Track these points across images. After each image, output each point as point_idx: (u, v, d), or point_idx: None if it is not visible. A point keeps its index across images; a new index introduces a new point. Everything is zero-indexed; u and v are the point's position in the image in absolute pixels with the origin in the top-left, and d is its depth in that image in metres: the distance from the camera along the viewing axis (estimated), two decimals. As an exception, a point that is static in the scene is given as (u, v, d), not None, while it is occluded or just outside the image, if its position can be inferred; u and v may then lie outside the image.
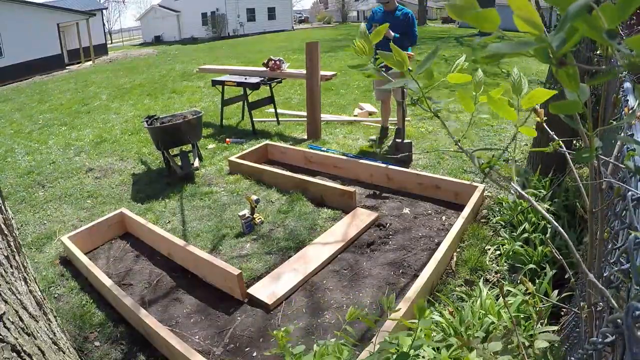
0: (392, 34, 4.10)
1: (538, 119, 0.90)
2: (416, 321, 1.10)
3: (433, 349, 1.34)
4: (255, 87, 5.38)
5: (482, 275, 2.41)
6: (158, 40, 31.94)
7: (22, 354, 1.41)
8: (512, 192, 0.79)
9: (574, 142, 3.35)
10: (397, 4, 4.35)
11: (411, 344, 1.15)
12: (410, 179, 3.54)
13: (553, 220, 0.80)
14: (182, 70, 12.18)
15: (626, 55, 0.35)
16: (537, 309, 1.72)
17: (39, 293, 1.73)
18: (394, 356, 1.08)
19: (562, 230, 0.79)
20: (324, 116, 5.73)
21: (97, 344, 2.20)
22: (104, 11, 24.67)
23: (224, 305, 2.42)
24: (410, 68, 0.83)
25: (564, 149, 0.90)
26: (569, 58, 0.39)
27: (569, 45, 0.36)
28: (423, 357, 1.24)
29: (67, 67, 18.13)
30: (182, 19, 31.36)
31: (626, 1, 0.34)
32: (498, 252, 2.58)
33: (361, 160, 4.01)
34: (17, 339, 1.40)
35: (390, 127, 5.09)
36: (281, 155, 4.53)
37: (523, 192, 0.80)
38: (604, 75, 0.40)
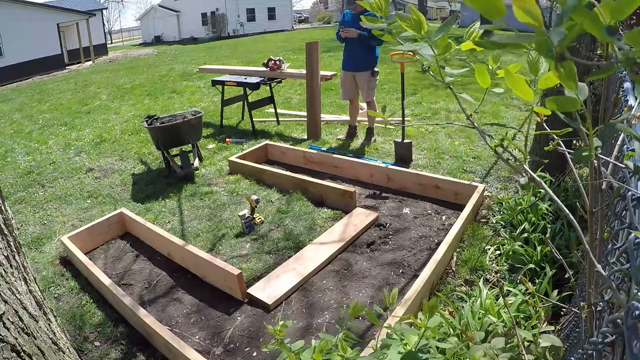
0: (358, 32, 4.16)
1: (538, 118, 0.90)
2: (420, 320, 1.10)
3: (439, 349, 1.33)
4: (255, 87, 5.38)
5: (482, 275, 2.41)
6: (158, 40, 31.94)
7: (22, 354, 1.41)
8: (524, 174, 0.77)
9: (574, 142, 3.35)
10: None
11: (418, 341, 1.14)
12: (410, 179, 3.54)
13: (564, 207, 0.79)
14: (182, 71, 12.18)
15: (625, 52, 0.35)
16: (538, 309, 1.72)
17: (39, 293, 1.73)
18: (402, 355, 1.08)
19: (572, 218, 0.78)
20: (324, 116, 5.73)
21: (97, 344, 2.20)
22: (103, 11, 24.68)
23: (223, 305, 2.42)
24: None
25: (564, 148, 0.90)
26: (567, 54, 0.39)
27: (569, 39, 0.36)
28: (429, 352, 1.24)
29: (67, 67, 18.13)
30: (182, 19, 31.35)
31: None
32: (498, 252, 2.58)
33: (361, 160, 4.01)
34: (16, 339, 1.40)
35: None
36: (281, 155, 4.53)
37: (535, 175, 0.79)
38: (602, 71, 0.40)
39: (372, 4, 0.83)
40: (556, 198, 0.75)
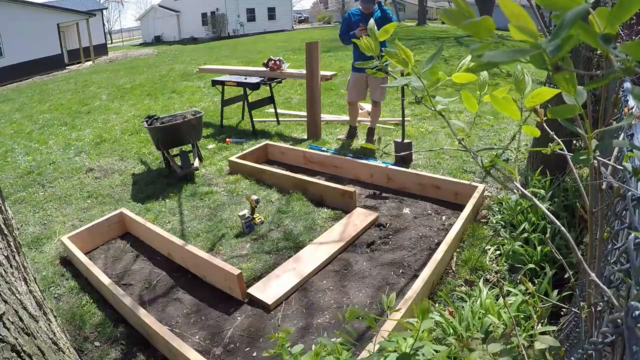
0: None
1: (538, 119, 0.90)
2: (417, 321, 1.10)
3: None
4: (255, 87, 5.38)
5: (482, 275, 2.41)
6: (158, 41, 31.94)
7: (22, 354, 1.41)
8: (515, 190, 0.79)
9: (574, 142, 3.35)
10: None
11: (412, 344, 1.15)
12: (410, 179, 3.54)
13: (555, 219, 0.80)
14: (182, 71, 12.18)
15: (622, 60, 0.35)
16: (537, 309, 1.72)
17: (39, 293, 1.73)
18: (395, 356, 1.08)
19: (563, 228, 0.79)
20: (324, 116, 5.73)
21: (97, 344, 2.20)
22: (104, 11, 24.68)
23: (223, 305, 2.42)
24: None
25: (564, 149, 0.90)
26: (566, 62, 0.39)
27: (564, 52, 0.36)
28: (423, 354, 1.24)
29: (67, 67, 18.13)
30: (182, 19, 31.35)
31: (622, 6, 0.34)
32: (498, 252, 2.58)
33: (361, 160, 4.01)
34: (17, 339, 1.40)
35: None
36: (281, 155, 4.53)
37: (525, 191, 0.80)
38: (601, 79, 0.40)
39: (364, 45, 0.89)
40: (549, 214, 0.76)
